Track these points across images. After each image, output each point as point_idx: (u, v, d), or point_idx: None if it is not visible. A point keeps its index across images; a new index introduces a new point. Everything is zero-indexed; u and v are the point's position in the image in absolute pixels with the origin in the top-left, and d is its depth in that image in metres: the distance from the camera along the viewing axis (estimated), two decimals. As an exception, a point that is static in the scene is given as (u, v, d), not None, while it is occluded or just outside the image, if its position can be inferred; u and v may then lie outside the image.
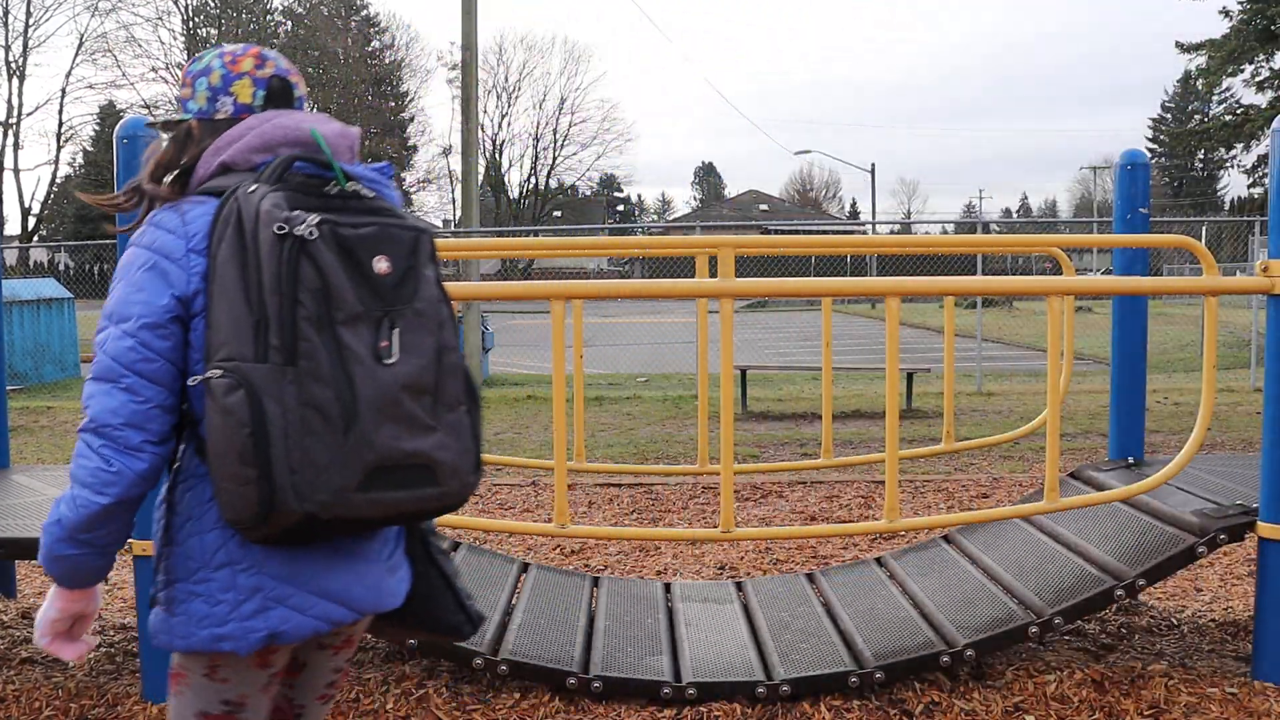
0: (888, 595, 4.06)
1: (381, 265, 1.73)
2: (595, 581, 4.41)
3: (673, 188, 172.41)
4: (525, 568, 4.44)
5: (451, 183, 56.27)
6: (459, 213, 30.60)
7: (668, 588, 4.40)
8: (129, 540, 3.33)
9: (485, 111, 56.37)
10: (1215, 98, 41.47)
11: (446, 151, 55.22)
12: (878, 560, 4.53)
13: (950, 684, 3.44)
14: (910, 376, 12.07)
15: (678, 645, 3.75)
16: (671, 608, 4.15)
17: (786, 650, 3.62)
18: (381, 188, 1.87)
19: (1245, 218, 16.49)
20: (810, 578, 4.45)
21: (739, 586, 4.42)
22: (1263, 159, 22.40)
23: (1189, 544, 3.49)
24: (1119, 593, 3.46)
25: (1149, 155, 4.61)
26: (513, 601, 4.06)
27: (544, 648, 3.59)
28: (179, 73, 40.62)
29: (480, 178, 40.38)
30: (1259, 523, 3.44)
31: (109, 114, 43.02)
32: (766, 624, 3.92)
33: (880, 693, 3.40)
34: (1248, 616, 4.19)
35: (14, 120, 37.77)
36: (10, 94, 43.73)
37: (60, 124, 40.13)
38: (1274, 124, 3.42)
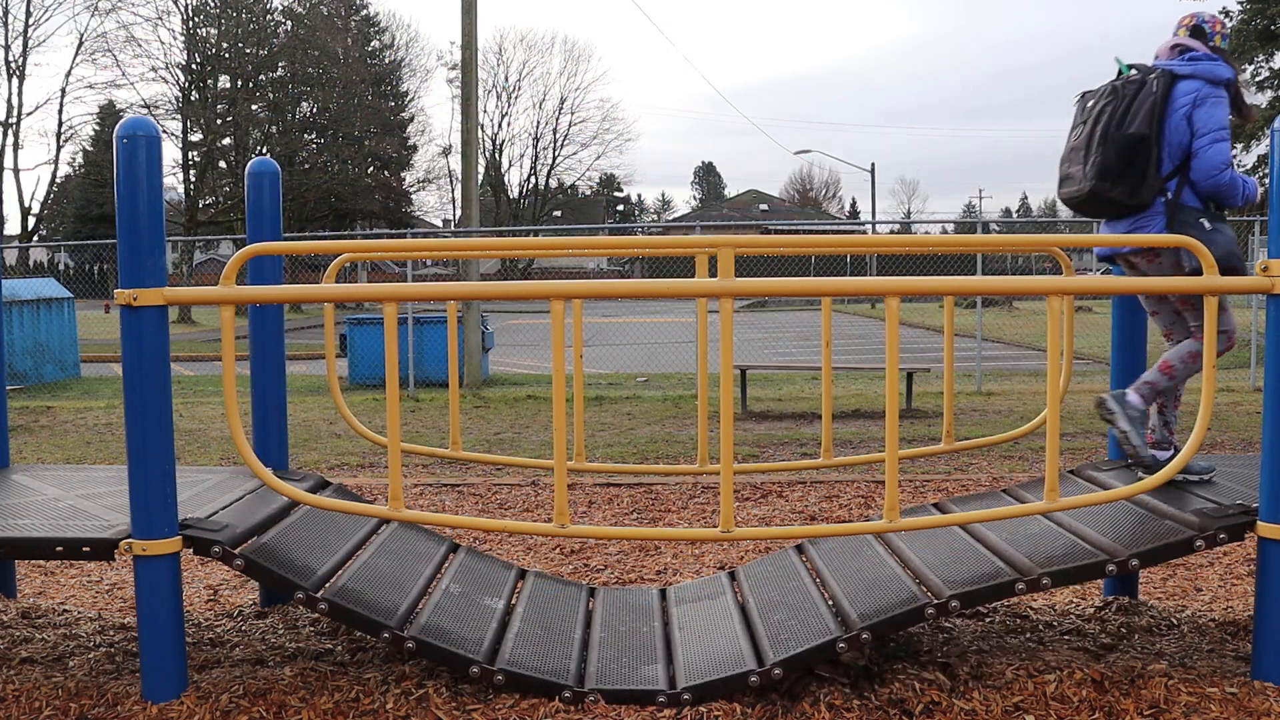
0: (874, 556, 4.09)
1: None
2: (591, 592, 4.42)
3: (673, 188, 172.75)
4: (523, 574, 4.44)
5: (451, 183, 56.28)
6: (459, 212, 30.61)
7: (663, 594, 4.41)
8: (129, 541, 3.33)
9: (485, 111, 56.38)
10: (1215, 98, 41.39)
11: (446, 151, 55.24)
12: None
13: (950, 683, 3.45)
14: (910, 376, 12.08)
15: (672, 651, 3.76)
16: (667, 613, 4.16)
17: (776, 632, 3.66)
18: None
19: (1245, 218, 16.46)
20: (800, 549, 4.48)
21: (732, 575, 4.45)
22: (1263, 159, 22.39)
23: (1187, 535, 3.49)
24: (1110, 567, 3.45)
25: (1149, 155, 4.58)
26: (511, 605, 4.06)
27: (540, 659, 3.60)
28: (178, 73, 40.92)
29: (480, 178, 40.39)
30: (1259, 523, 3.44)
31: (109, 114, 42.94)
32: (757, 608, 3.95)
33: (879, 691, 3.40)
34: (1248, 616, 4.19)
35: (14, 120, 37.73)
36: (10, 94, 43.71)
37: (60, 124, 40.04)
38: (1274, 124, 3.42)
